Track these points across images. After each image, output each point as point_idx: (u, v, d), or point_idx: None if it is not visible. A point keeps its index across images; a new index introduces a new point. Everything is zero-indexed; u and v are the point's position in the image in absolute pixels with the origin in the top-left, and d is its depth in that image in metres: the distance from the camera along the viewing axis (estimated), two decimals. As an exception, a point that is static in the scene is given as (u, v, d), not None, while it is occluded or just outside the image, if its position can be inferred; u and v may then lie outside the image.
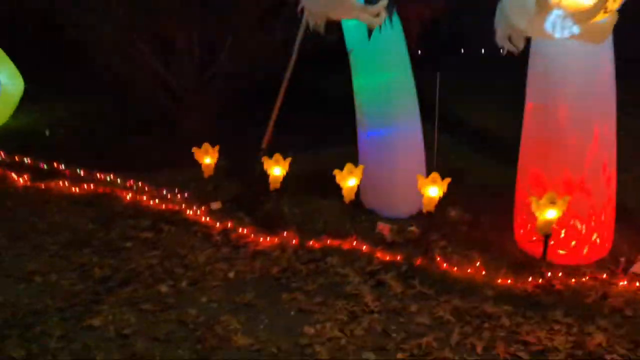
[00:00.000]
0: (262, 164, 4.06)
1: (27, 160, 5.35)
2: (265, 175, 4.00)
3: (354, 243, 3.64)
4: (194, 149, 4.28)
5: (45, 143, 6.24)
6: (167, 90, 6.21)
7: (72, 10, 5.48)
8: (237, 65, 5.96)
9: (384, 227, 3.76)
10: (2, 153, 5.46)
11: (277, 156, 3.96)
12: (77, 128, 6.89)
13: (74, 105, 8.24)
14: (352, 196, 3.73)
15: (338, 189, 3.71)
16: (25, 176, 4.91)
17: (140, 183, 4.86)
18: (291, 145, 4.77)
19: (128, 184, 4.90)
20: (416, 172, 3.73)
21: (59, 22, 5.83)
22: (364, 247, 3.59)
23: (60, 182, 4.83)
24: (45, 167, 5.21)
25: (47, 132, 6.53)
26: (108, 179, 5.00)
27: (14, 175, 4.94)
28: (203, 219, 4.19)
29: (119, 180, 4.94)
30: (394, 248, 3.54)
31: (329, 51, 5.58)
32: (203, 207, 4.33)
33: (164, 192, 4.67)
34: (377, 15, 3.43)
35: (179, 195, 4.60)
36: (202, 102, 6.15)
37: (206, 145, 4.27)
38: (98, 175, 5.05)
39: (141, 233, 3.92)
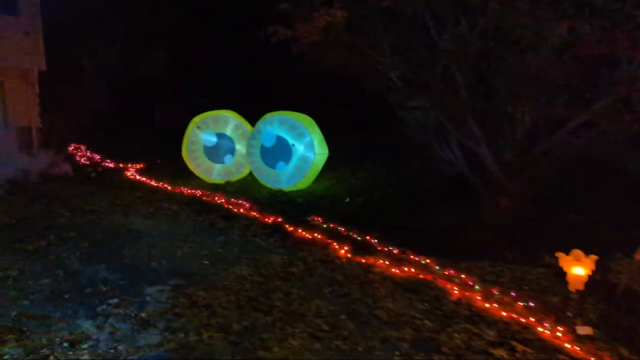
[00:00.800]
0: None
1: (340, 229, 5.55)
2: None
3: None
4: (559, 254, 3.49)
5: (345, 210, 6.52)
6: (479, 168, 5.70)
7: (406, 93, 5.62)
8: (575, 145, 5.02)
9: None
10: (321, 219, 5.82)
11: None
12: (370, 196, 7.08)
13: (357, 172, 8.76)
14: None
15: None
16: (345, 247, 4.99)
17: (462, 275, 4.34)
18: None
19: (447, 272, 4.43)
20: None
21: (389, 100, 6.03)
22: None
23: (378, 260, 4.71)
24: (359, 238, 5.28)
25: (347, 200, 6.86)
26: (422, 262, 4.69)
27: (335, 245, 5.08)
28: (568, 345, 3.26)
29: (436, 267, 4.56)
30: None
31: None
32: (562, 327, 3.41)
33: (495, 291, 4.00)
34: None
35: (519, 301, 3.82)
36: (518, 186, 5.41)
37: (577, 252, 3.42)
38: (411, 256, 4.80)
39: (491, 349, 3.23)
